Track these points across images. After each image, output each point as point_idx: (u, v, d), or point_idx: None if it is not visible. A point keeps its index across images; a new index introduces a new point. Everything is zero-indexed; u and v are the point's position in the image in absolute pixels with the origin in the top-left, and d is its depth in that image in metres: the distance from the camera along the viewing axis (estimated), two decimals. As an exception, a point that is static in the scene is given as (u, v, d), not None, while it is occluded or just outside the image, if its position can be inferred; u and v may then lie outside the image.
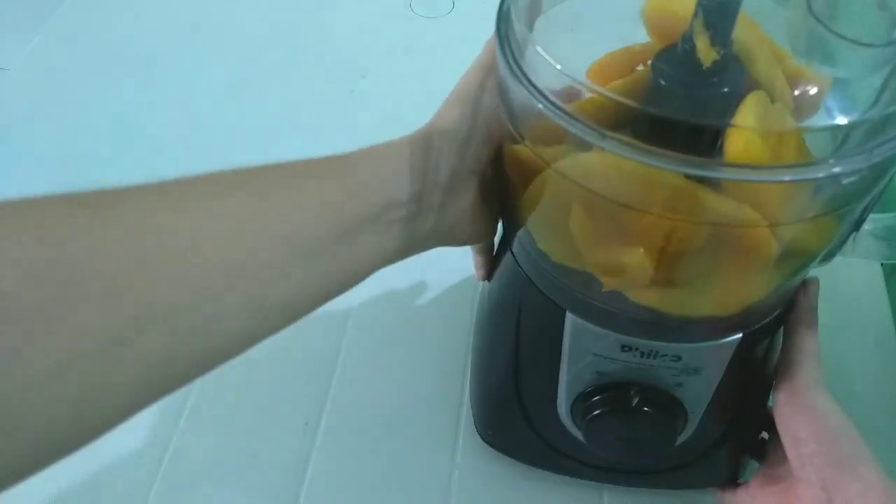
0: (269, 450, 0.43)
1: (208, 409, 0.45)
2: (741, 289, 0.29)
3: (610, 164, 0.23)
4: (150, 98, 0.64)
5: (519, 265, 0.33)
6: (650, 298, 0.29)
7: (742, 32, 0.25)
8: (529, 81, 0.24)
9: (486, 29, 0.27)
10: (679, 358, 0.31)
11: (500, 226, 0.36)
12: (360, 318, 0.49)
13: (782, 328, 0.34)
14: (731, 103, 0.25)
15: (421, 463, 0.42)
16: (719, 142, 0.23)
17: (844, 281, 0.50)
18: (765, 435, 0.37)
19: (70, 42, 0.70)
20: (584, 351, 0.32)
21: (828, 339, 0.47)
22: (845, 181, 0.23)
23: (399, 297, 0.50)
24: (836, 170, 0.22)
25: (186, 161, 0.59)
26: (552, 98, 0.23)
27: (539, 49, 0.23)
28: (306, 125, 0.61)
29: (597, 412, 0.34)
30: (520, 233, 0.32)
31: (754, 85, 0.26)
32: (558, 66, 0.22)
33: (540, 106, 0.22)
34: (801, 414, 0.27)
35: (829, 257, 0.31)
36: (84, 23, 0.72)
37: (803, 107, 0.27)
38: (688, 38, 0.25)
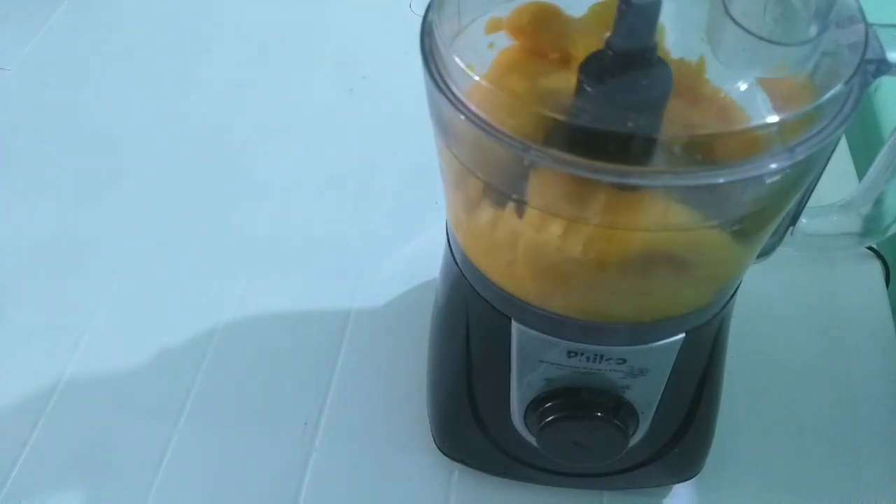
0: (269, 450, 0.43)
1: (208, 409, 0.45)
2: (682, 292, 0.29)
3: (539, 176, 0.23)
4: (150, 98, 0.64)
5: (463, 275, 0.33)
6: (593, 307, 0.29)
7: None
8: (454, 95, 0.23)
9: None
10: (624, 360, 0.31)
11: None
12: (360, 318, 0.49)
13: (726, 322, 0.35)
14: (660, 106, 0.25)
15: (422, 462, 0.42)
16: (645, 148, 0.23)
17: (844, 281, 0.50)
18: None
19: (70, 42, 0.70)
20: (532, 358, 0.32)
21: (828, 339, 0.47)
22: (769, 181, 0.23)
23: (400, 297, 0.50)
24: (759, 171, 0.22)
25: (186, 160, 0.59)
26: (475, 109, 0.22)
27: (457, 59, 0.22)
28: (306, 124, 0.61)
29: (549, 418, 0.33)
30: (458, 248, 0.32)
31: (681, 87, 0.26)
32: (476, 77, 0.22)
33: (461, 117, 0.22)
34: None
35: (766, 253, 0.32)
36: (83, 23, 0.72)
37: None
38: (613, 43, 0.25)
